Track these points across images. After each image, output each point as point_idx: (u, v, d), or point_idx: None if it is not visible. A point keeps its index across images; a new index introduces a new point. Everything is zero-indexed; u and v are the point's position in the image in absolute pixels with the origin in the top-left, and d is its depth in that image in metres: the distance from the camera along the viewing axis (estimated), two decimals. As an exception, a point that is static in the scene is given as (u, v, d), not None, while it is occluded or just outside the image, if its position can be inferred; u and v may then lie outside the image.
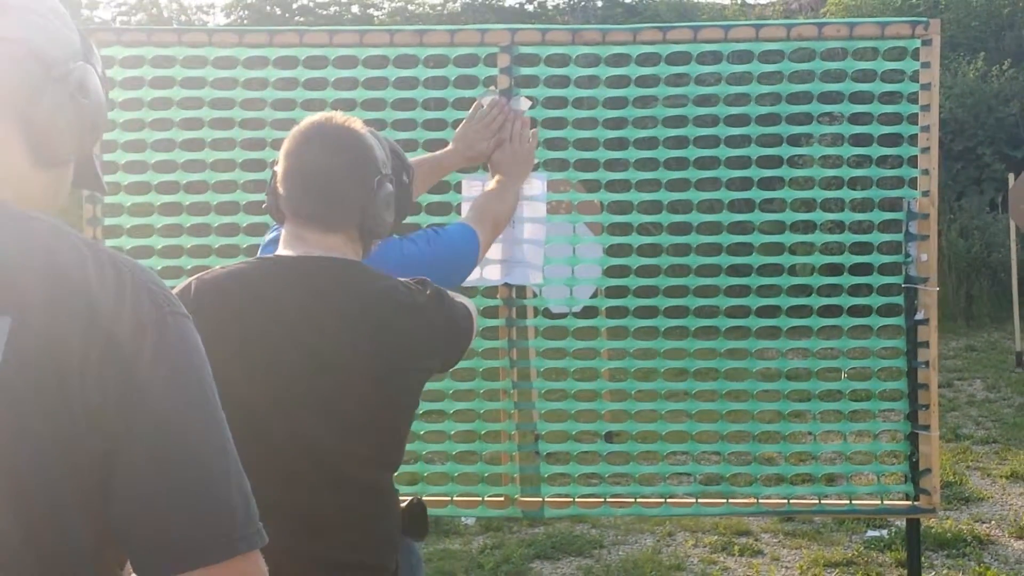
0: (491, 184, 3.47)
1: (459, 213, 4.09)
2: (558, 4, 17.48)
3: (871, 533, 6.07)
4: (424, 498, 2.57)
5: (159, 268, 4.11)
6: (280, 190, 2.37)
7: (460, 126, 3.59)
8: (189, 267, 4.15)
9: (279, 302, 2.26)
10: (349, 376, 2.24)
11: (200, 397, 1.40)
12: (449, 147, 3.55)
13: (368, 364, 2.26)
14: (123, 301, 1.37)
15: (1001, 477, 7.15)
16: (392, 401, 2.32)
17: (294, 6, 16.40)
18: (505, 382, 4.25)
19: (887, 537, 5.94)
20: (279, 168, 2.38)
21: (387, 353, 2.28)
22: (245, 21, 15.84)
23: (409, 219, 4.02)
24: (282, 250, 2.36)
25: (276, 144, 2.45)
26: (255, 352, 2.21)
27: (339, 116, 2.39)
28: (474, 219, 3.15)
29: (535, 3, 17.45)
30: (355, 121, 2.40)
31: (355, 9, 16.81)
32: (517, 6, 17.32)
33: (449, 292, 2.52)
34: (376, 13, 16.94)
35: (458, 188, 4.14)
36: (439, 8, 17.08)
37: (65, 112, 1.49)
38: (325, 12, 16.51)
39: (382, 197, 2.37)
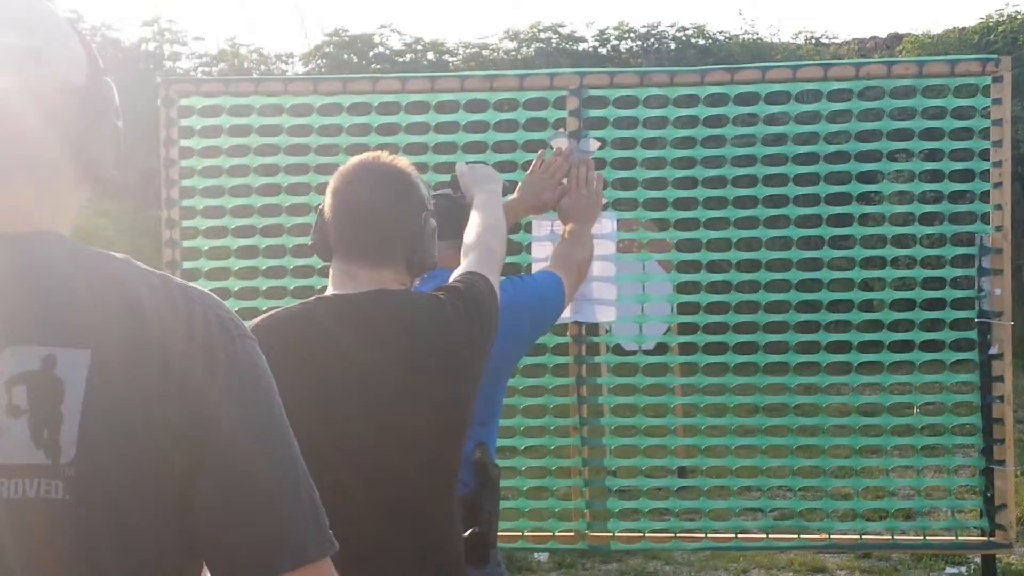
0: (565, 231, 3.47)
1: (529, 252, 4.16)
2: (631, 48, 17.54)
3: (949, 570, 5.97)
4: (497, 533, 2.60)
5: (236, 309, 4.21)
6: (329, 227, 2.44)
7: (525, 175, 3.60)
8: (264, 308, 4.24)
9: (335, 340, 2.31)
10: (413, 403, 2.29)
11: (268, 412, 1.49)
12: (514, 196, 3.55)
13: (428, 387, 2.31)
14: (194, 328, 1.46)
15: (1081, 513, 6.98)
16: (454, 419, 2.36)
17: (370, 54, 16.64)
18: (575, 418, 4.30)
19: (965, 574, 5.85)
20: (326, 206, 2.45)
21: (445, 371, 2.33)
22: (322, 70, 16.10)
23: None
24: (333, 289, 2.42)
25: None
26: (314, 391, 2.26)
27: (384, 155, 2.47)
28: (558, 266, 3.15)
29: (608, 47, 17.52)
30: (400, 160, 2.48)
31: (430, 56, 17.02)
32: (591, 50, 17.40)
33: (462, 275, 2.53)
34: (451, 59, 17.13)
35: (528, 228, 4.20)
36: (513, 53, 17.22)
37: (110, 135, 1.55)
38: (401, 59, 16.73)
39: (428, 232, 2.45)
